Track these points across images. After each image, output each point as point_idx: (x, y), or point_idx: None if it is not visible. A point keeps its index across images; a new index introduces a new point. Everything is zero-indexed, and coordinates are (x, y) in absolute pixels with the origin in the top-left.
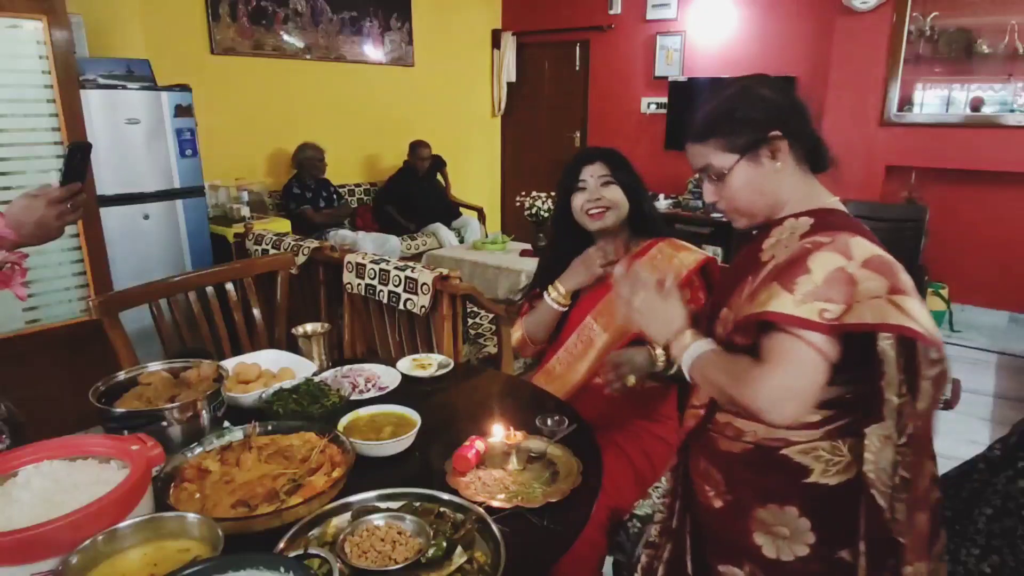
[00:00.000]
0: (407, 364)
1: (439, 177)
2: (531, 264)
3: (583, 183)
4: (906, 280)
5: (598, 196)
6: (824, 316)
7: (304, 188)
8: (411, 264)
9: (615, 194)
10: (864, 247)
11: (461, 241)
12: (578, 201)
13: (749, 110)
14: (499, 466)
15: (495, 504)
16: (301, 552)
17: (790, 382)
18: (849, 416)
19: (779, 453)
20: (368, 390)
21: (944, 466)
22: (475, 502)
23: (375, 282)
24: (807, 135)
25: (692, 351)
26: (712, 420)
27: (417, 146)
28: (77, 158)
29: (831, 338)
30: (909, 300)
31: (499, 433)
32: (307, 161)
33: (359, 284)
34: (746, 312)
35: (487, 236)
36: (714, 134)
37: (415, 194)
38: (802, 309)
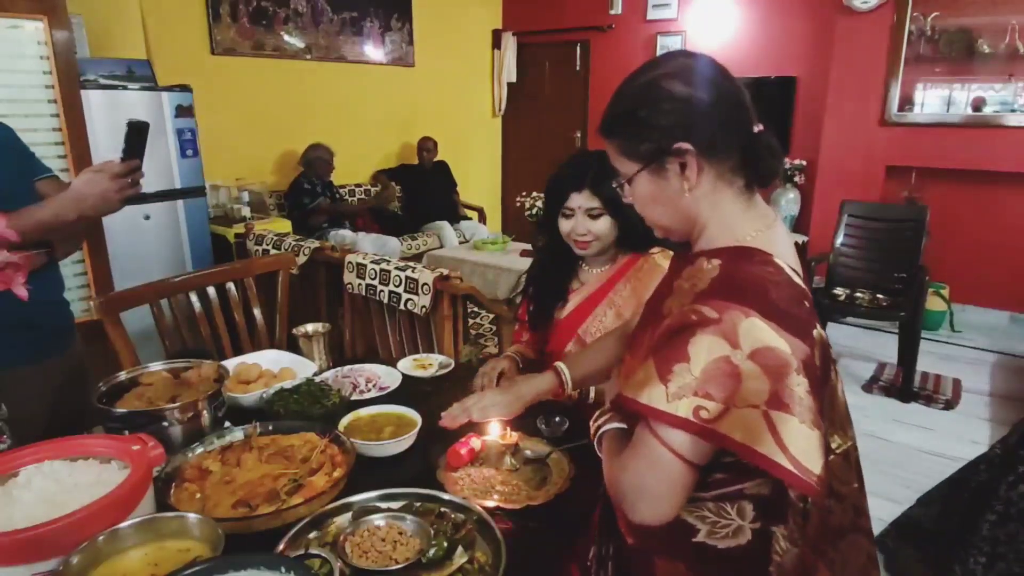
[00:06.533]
0: (407, 364)
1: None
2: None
3: (570, 211)
4: (793, 386)
5: (584, 230)
6: (700, 416)
7: (314, 186)
8: (411, 264)
9: (602, 227)
10: (756, 333)
11: (464, 242)
12: (564, 226)
13: (653, 112)
14: (494, 465)
15: (478, 503)
16: (302, 552)
17: (642, 481)
18: (741, 483)
19: None
20: (369, 390)
21: (944, 465)
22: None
23: (376, 282)
24: (733, 146)
25: (602, 430)
26: None
27: (422, 140)
28: (135, 136)
29: (702, 440)
30: (788, 421)
31: (495, 432)
32: (316, 161)
33: (360, 284)
34: (623, 390)
35: (487, 236)
36: (614, 134)
37: (418, 187)
38: (675, 406)
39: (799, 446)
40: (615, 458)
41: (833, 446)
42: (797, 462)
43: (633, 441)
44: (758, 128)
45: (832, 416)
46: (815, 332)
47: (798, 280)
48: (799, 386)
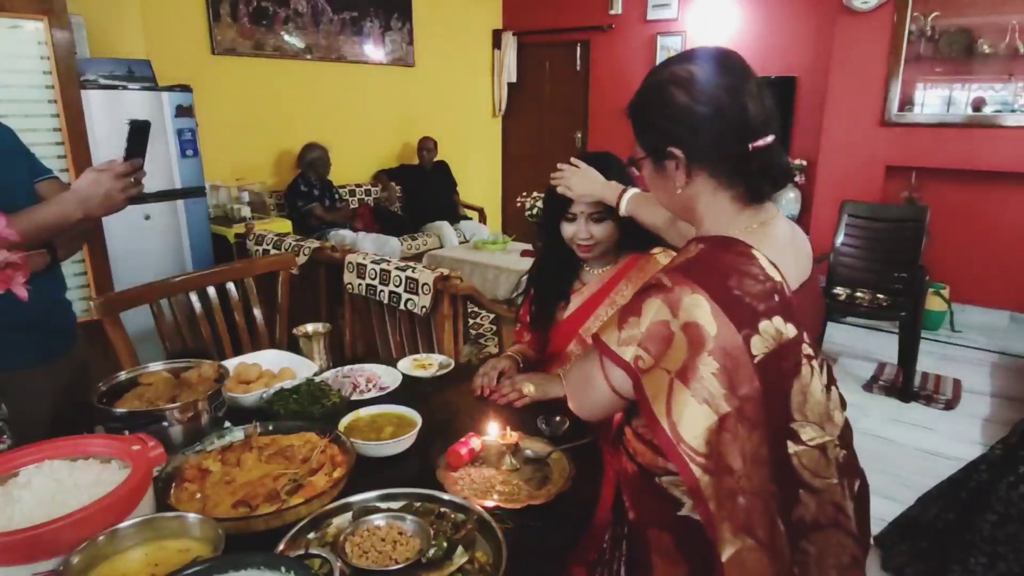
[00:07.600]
0: (408, 364)
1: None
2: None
3: (572, 215)
4: (699, 365)
5: (587, 235)
6: (638, 364)
7: (311, 187)
8: (412, 264)
9: (605, 230)
10: (694, 309)
11: (464, 241)
12: (567, 230)
13: (655, 114)
14: (494, 465)
15: (478, 503)
16: (302, 552)
17: (579, 389)
18: None
19: (656, 481)
20: (369, 390)
21: (944, 465)
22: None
23: (376, 282)
24: (725, 160)
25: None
26: (623, 433)
27: (422, 140)
28: (136, 136)
29: (632, 383)
30: (682, 392)
31: (495, 432)
32: (314, 161)
33: (360, 284)
34: (600, 325)
35: (487, 236)
36: (631, 118)
37: (418, 187)
38: (622, 350)
39: (682, 415)
40: (578, 358)
41: (805, 438)
42: (675, 428)
43: (588, 356)
44: (762, 143)
45: (804, 409)
46: (767, 325)
47: (774, 273)
48: (705, 366)
